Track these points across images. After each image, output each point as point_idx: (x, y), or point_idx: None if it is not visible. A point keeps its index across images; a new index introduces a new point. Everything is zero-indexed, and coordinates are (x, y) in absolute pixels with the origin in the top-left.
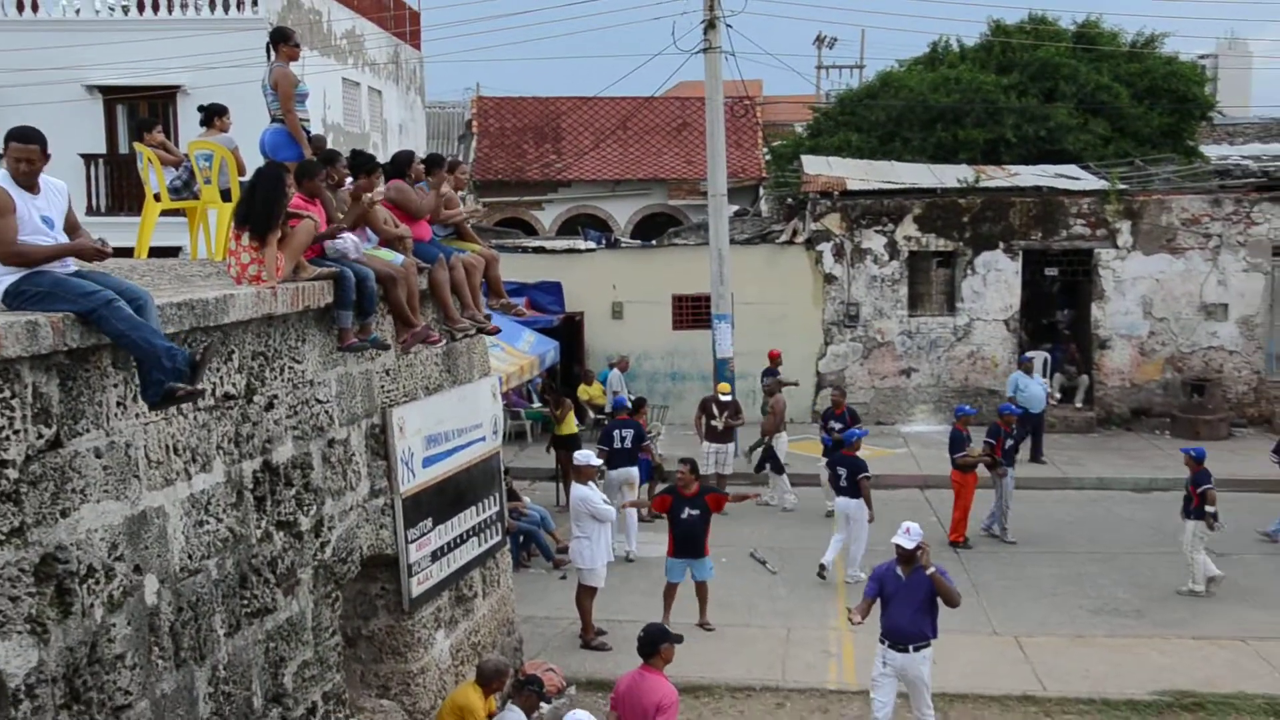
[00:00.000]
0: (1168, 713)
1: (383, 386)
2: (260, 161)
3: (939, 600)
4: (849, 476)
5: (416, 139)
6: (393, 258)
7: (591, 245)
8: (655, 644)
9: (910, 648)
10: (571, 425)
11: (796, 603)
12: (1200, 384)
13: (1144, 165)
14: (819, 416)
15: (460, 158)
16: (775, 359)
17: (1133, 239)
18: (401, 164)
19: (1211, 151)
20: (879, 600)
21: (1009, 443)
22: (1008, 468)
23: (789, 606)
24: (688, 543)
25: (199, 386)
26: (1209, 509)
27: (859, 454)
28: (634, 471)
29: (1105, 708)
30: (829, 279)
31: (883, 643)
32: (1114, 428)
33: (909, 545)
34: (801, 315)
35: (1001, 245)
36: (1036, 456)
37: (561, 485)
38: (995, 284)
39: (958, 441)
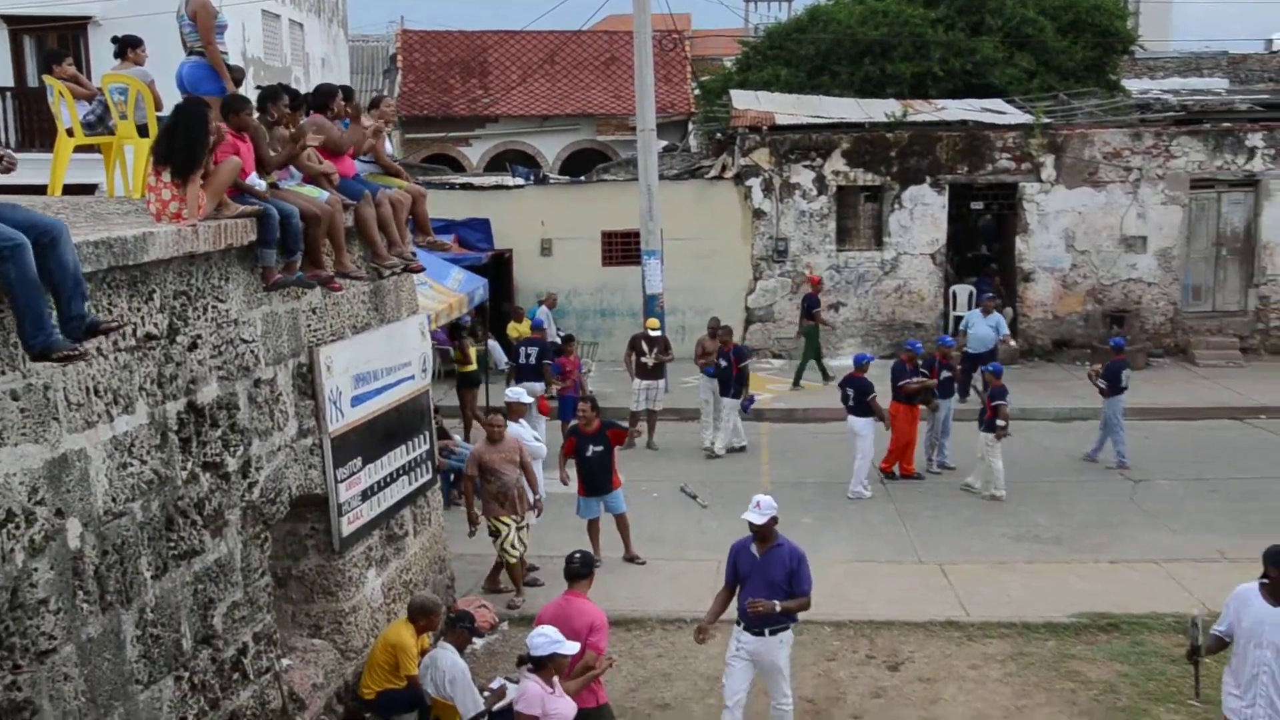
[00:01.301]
0: (1085, 634)
1: (309, 325)
2: (178, 96)
3: (795, 581)
4: (857, 397)
5: (339, 73)
6: (317, 194)
7: (520, 181)
8: (590, 566)
9: (766, 631)
10: (473, 364)
11: (726, 536)
12: (1120, 315)
13: (1067, 99)
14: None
15: (385, 93)
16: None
17: (1056, 173)
18: (323, 98)
19: (1133, 85)
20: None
21: (944, 374)
22: (941, 400)
23: (719, 539)
24: (595, 479)
25: (81, 349)
26: (999, 423)
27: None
28: (539, 386)
29: (1025, 631)
30: (758, 214)
31: (737, 624)
32: (1037, 359)
33: (759, 520)
34: (731, 251)
35: (928, 180)
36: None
37: (462, 423)
38: (922, 218)
39: (900, 373)
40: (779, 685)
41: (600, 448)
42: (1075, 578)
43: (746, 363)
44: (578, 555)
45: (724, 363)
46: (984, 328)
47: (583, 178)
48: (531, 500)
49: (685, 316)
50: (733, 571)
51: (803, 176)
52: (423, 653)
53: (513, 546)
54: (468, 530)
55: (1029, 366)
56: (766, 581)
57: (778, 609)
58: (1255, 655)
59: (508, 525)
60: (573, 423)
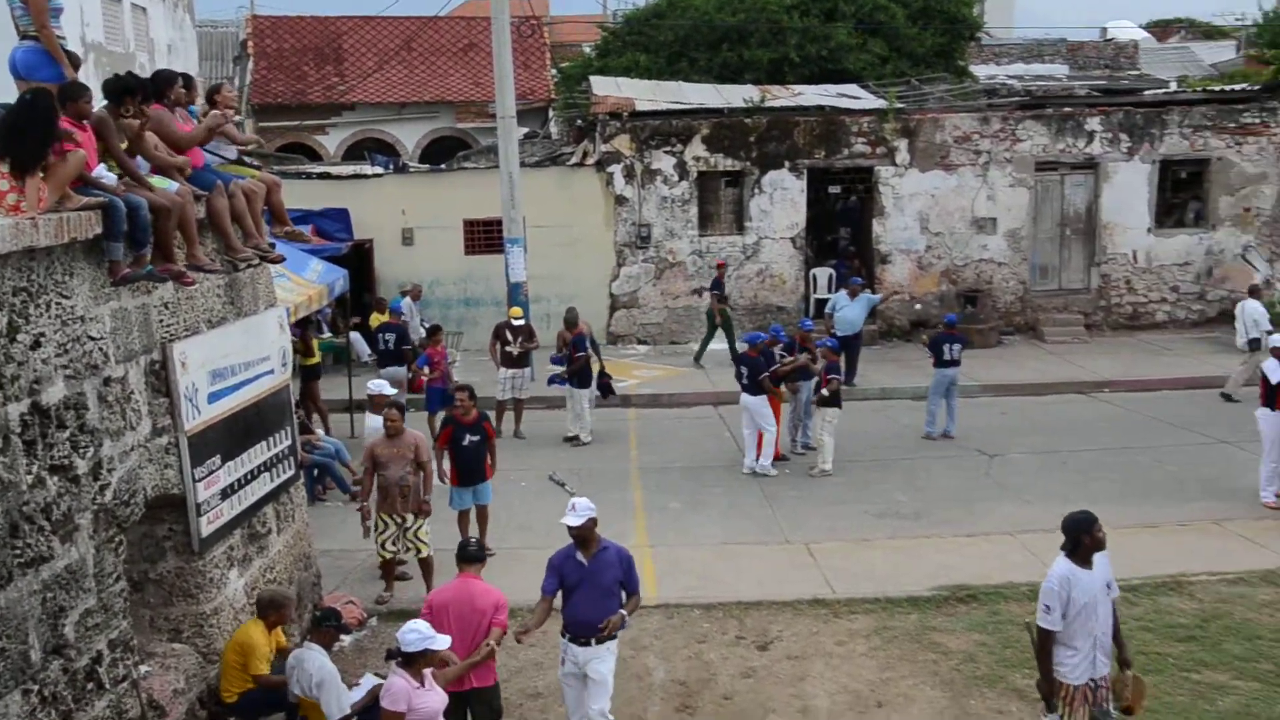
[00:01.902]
0: (945, 605)
1: (162, 321)
2: (10, 83)
3: (626, 584)
4: (750, 375)
5: (187, 60)
6: (167, 185)
7: (379, 170)
8: (484, 551)
9: (593, 640)
10: (315, 356)
11: None
12: (973, 295)
13: (919, 85)
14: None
15: (234, 80)
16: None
17: (910, 156)
18: (160, 85)
19: (980, 71)
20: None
21: (803, 357)
22: (802, 383)
23: None
24: (470, 470)
25: None
26: (824, 391)
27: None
28: (401, 371)
29: (889, 605)
30: (620, 200)
31: (564, 636)
32: (895, 340)
33: (576, 523)
34: (594, 237)
35: (787, 165)
36: (849, 379)
37: (305, 415)
38: (782, 203)
39: (757, 361)
40: (599, 698)
41: (477, 438)
42: (935, 551)
43: (584, 352)
44: (473, 540)
45: (581, 353)
46: (853, 311)
47: (443, 166)
48: (420, 500)
49: (550, 304)
50: (556, 582)
51: (664, 163)
52: (283, 651)
53: (383, 545)
54: (362, 529)
55: (888, 347)
56: (598, 588)
57: (627, 618)
58: (1090, 616)
59: (386, 523)
60: (446, 413)
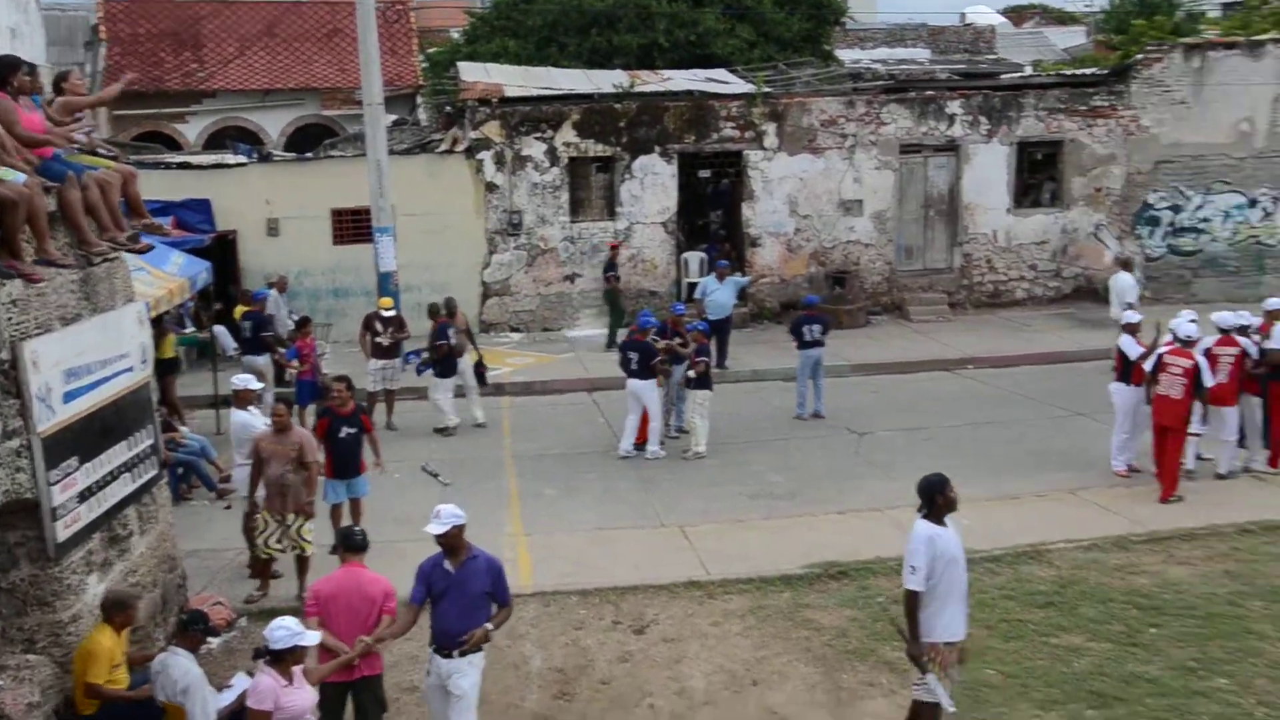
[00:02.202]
0: (817, 583)
1: (10, 319)
2: None
3: (495, 595)
4: (640, 360)
5: (33, 45)
6: (12, 177)
7: (242, 159)
8: (367, 537)
9: (456, 652)
10: (169, 349)
11: (469, 512)
12: (841, 276)
13: (786, 69)
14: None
15: (85, 66)
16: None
17: (778, 140)
18: (3, 72)
19: (845, 55)
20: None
21: (676, 340)
22: (675, 367)
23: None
24: (346, 462)
25: None
26: (691, 374)
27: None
28: (260, 360)
29: (762, 585)
30: (491, 187)
31: (430, 647)
32: (766, 322)
33: (439, 531)
34: (465, 225)
35: (657, 149)
36: (721, 362)
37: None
38: (653, 187)
39: (635, 345)
40: (461, 714)
41: (354, 430)
42: (807, 530)
43: (443, 341)
44: (358, 529)
45: (441, 342)
46: (723, 294)
47: (309, 154)
48: (301, 501)
49: (421, 294)
50: (424, 590)
51: (534, 149)
52: (146, 659)
53: (266, 544)
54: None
55: (759, 329)
56: (466, 597)
57: (491, 631)
58: (952, 573)
59: (267, 522)
60: (323, 404)
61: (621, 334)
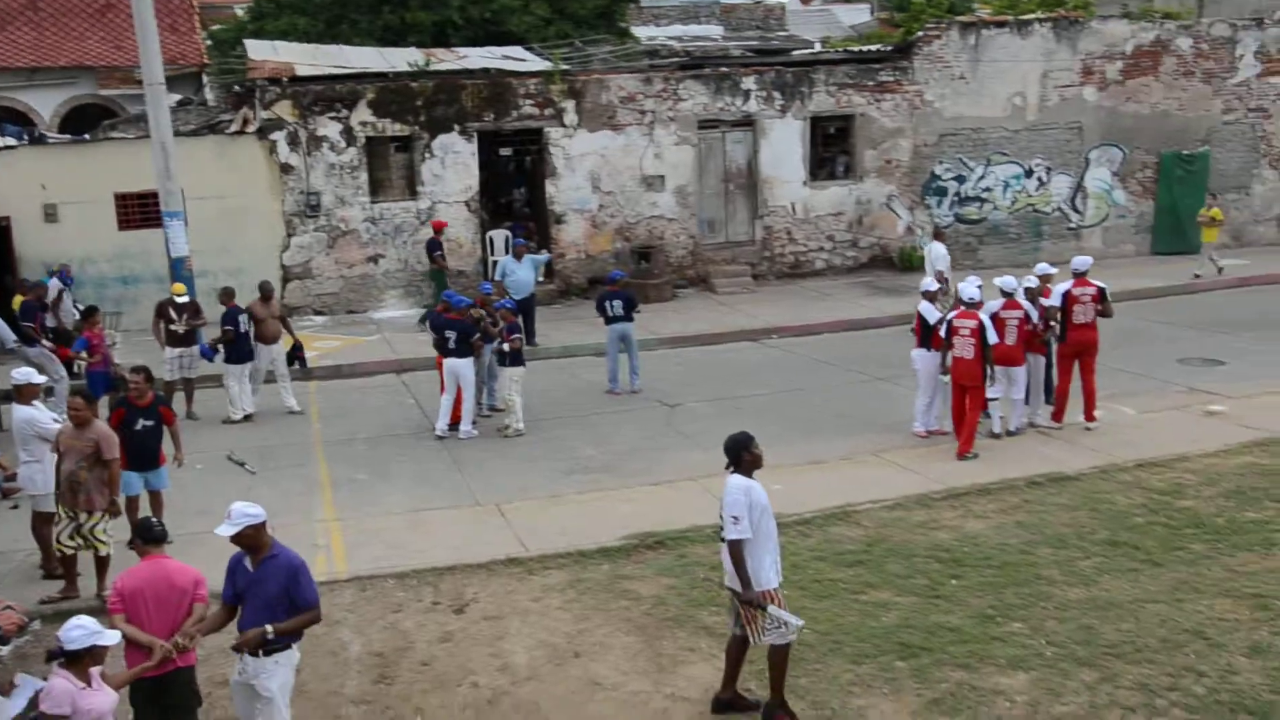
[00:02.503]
0: (635, 554)
1: None
2: None
3: (293, 595)
4: (459, 339)
5: None
6: None
7: (11, 142)
8: (166, 529)
9: (260, 651)
10: None
11: (279, 500)
12: (646, 251)
13: (583, 46)
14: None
15: None
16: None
17: (578, 117)
18: None
19: (641, 32)
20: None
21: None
22: (485, 344)
23: (272, 505)
24: (143, 454)
25: None
26: (505, 347)
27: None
28: (33, 351)
29: (581, 558)
30: (286, 169)
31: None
32: (573, 298)
33: (228, 533)
34: (261, 207)
35: (457, 128)
36: (529, 340)
37: None
38: (454, 166)
39: (439, 323)
40: (269, 716)
41: (151, 422)
42: (623, 502)
43: (230, 326)
44: (155, 521)
45: (228, 327)
46: (522, 273)
47: (87, 136)
48: (91, 497)
49: (217, 279)
50: (231, 588)
51: (329, 128)
52: None
53: (58, 539)
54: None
55: (567, 305)
56: (262, 598)
57: (269, 634)
58: (767, 522)
59: (61, 516)
60: (120, 395)
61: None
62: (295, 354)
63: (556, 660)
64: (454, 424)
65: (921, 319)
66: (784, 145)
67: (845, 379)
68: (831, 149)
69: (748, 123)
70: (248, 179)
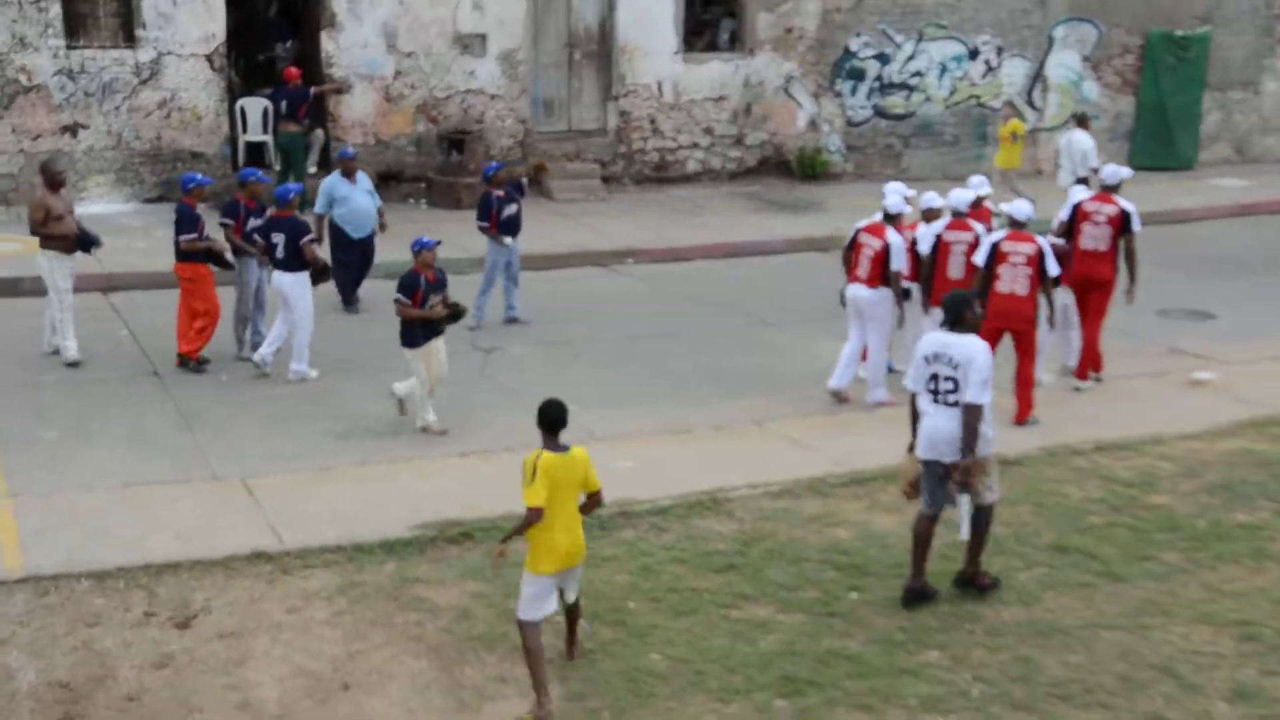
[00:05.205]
0: (431, 549)
1: None
2: None
3: None
4: (289, 244)
5: None
6: None
7: None
8: None
9: None
10: None
11: None
12: (459, 138)
13: None
14: None
15: None
16: None
17: None
18: None
19: None
20: None
21: (252, 222)
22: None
23: None
24: None
25: None
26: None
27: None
28: None
29: (357, 555)
30: None
31: None
32: None
33: None
34: None
35: None
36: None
37: None
38: (190, 4)
39: (187, 220)
40: None
41: None
42: (418, 479)
43: None
44: None
45: None
46: (359, 198)
47: None
48: None
49: None
50: None
51: None
52: None
53: None
54: None
55: None
56: None
57: None
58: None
59: None
60: None
61: None
62: None
63: (319, 695)
64: (184, 355)
65: (915, 250)
66: (649, 2)
67: (722, 322)
68: (714, 9)
69: None
70: None
